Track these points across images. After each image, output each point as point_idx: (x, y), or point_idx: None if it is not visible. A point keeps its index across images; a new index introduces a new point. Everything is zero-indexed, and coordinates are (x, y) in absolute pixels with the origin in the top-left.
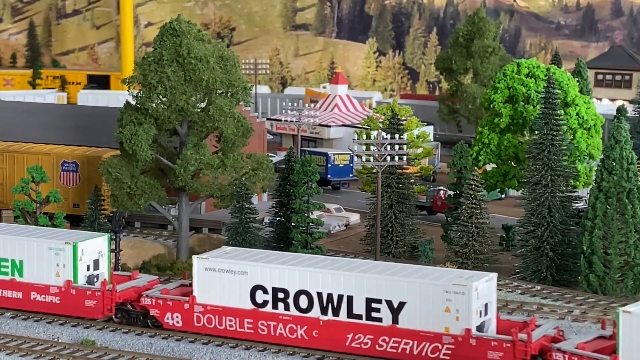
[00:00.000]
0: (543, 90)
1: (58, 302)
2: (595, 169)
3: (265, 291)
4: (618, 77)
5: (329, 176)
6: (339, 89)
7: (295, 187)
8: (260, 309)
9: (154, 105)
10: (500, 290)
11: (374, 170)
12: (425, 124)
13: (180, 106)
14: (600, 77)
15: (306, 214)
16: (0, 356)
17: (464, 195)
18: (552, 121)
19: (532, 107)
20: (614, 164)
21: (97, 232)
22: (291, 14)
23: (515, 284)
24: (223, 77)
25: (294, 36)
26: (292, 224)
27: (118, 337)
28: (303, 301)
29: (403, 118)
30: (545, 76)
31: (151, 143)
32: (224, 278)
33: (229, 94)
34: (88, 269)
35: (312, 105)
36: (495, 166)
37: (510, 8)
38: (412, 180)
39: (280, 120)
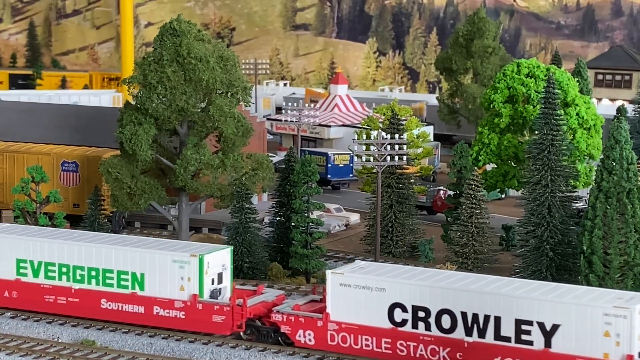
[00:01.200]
0: (543, 90)
1: (183, 317)
2: (595, 169)
3: (404, 309)
4: (618, 77)
5: (329, 176)
6: (339, 89)
7: (295, 187)
8: (399, 328)
9: (154, 105)
10: None
11: (374, 170)
12: (426, 124)
13: (180, 106)
14: (600, 77)
15: (306, 214)
16: (0, 356)
17: (464, 195)
18: (552, 121)
19: (532, 107)
20: (614, 164)
21: (220, 245)
22: (291, 14)
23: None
24: (223, 77)
25: (294, 36)
26: (292, 224)
27: (118, 337)
28: (446, 321)
29: (403, 118)
30: (545, 76)
31: (151, 143)
32: (360, 295)
33: (229, 94)
34: (212, 282)
35: (312, 105)
36: (495, 166)
37: (510, 8)
38: (412, 180)
39: (280, 120)
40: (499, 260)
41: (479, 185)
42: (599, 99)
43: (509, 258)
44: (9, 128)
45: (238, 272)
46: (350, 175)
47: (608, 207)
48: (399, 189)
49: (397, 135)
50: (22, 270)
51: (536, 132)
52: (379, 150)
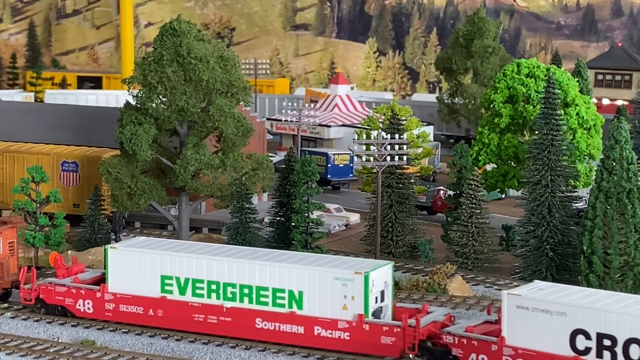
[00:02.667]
0: (543, 90)
1: (347, 338)
2: (595, 169)
3: (587, 337)
4: (618, 77)
5: (329, 176)
6: (339, 89)
7: (295, 187)
8: (582, 357)
9: (154, 105)
10: (499, 290)
11: (374, 170)
12: (425, 124)
13: (180, 106)
14: (600, 77)
15: (306, 214)
16: (0, 356)
17: (464, 195)
18: (552, 121)
19: (532, 107)
20: (614, 164)
21: (381, 260)
22: (291, 14)
23: (515, 284)
24: (223, 77)
25: (294, 36)
26: (292, 224)
27: (118, 337)
28: (634, 351)
29: (403, 118)
30: (545, 76)
31: (151, 143)
32: (539, 319)
33: (229, 94)
34: (376, 300)
35: (312, 105)
36: (495, 166)
37: (510, 8)
38: (412, 180)
39: (280, 120)
40: (499, 260)
41: (479, 185)
42: (599, 99)
43: (509, 258)
44: (9, 128)
45: None
46: (350, 175)
47: (608, 207)
48: (399, 189)
49: (397, 135)
50: (167, 288)
51: (536, 132)
52: (379, 150)
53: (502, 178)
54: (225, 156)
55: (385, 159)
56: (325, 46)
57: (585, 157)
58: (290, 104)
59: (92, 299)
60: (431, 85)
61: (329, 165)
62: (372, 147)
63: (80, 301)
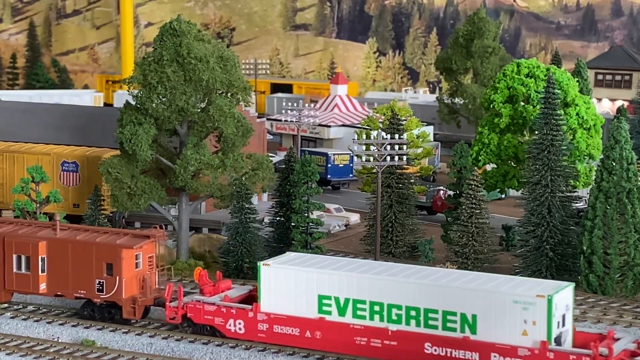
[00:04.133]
0: (543, 90)
1: None
2: (595, 169)
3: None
4: (618, 77)
5: (329, 176)
6: (339, 89)
7: (295, 187)
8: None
9: (154, 105)
10: None
11: (374, 170)
12: (426, 124)
13: (180, 106)
14: (600, 77)
15: (306, 214)
16: (0, 356)
17: (464, 195)
18: (552, 121)
19: (532, 107)
20: (614, 164)
21: (562, 282)
22: (291, 14)
23: None
24: (223, 77)
25: (294, 36)
26: (292, 224)
27: (118, 337)
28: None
29: (403, 118)
30: (545, 76)
31: (151, 143)
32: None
33: (229, 94)
34: (558, 325)
35: (312, 105)
36: (495, 166)
37: (510, 8)
38: (412, 180)
39: (280, 120)
40: (498, 260)
41: (479, 185)
42: (599, 100)
43: (509, 258)
44: (9, 128)
45: (238, 272)
46: (350, 175)
47: (608, 207)
48: (399, 189)
49: (397, 135)
50: (325, 308)
51: (536, 132)
52: (379, 150)
53: (502, 178)
54: (225, 156)
55: (385, 159)
56: (325, 46)
57: (585, 157)
58: (290, 104)
59: (244, 319)
60: (431, 85)
61: (329, 165)
62: (372, 147)
63: (231, 321)
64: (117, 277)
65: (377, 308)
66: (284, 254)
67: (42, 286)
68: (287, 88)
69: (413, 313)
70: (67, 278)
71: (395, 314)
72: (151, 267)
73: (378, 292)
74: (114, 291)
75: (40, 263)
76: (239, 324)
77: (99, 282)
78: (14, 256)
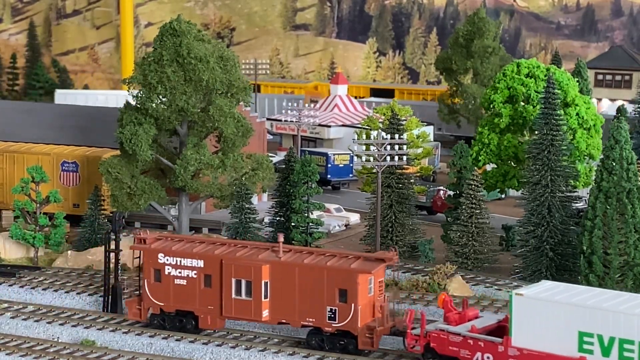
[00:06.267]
0: (543, 90)
1: None
2: (595, 169)
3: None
4: (618, 77)
5: (329, 176)
6: (339, 89)
7: (295, 187)
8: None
9: (154, 105)
10: (499, 290)
11: (374, 170)
12: (425, 124)
13: (180, 106)
14: (600, 77)
15: (306, 214)
16: (0, 356)
17: (464, 195)
18: (552, 121)
19: (532, 107)
20: (614, 164)
21: None
22: (291, 14)
23: (515, 284)
24: (223, 77)
25: (294, 36)
26: (292, 224)
27: (118, 337)
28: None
29: (403, 118)
30: (545, 76)
31: (151, 143)
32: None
33: (229, 94)
34: None
35: (312, 105)
36: (495, 166)
37: (510, 8)
38: (412, 180)
39: (280, 120)
40: (498, 260)
41: (479, 185)
42: (599, 100)
43: (509, 258)
44: (9, 128)
45: None
46: (350, 175)
47: (608, 207)
48: (399, 189)
49: (397, 135)
50: (586, 347)
51: (536, 132)
52: (379, 150)
53: (502, 178)
54: (225, 156)
55: (385, 159)
56: (325, 46)
57: (585, 157)
58: (290, 104)
59: (493, 353)
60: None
61: (329, 165)
62: (372, 147)
63: (479, 354)
64: (352, 304)
65: None
66: (539, 282)
67: (265, 313)
68: (389, 93)
69: None
70: (293, 305)
71: None
72: (381, 293)
73: None
74: (348, 319)
75: (263, 288)
76: (488, 358)
77: (331, 309)
78: (233, 280)
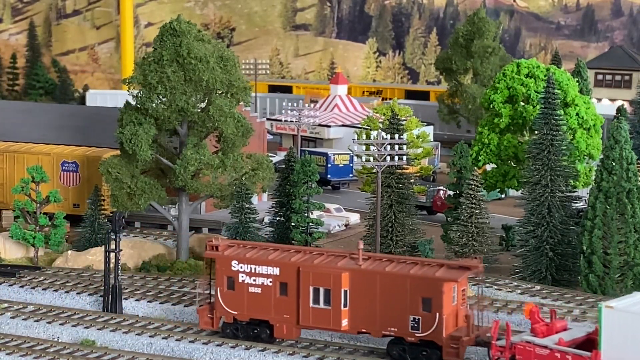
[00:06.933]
0: (543, 90)
1: None
2: (595, 169)
3: None
4: (618, 77)
5: (329, 176)
6: (339, 89)
7: (295, 187)
8: None
9: (154, 105)
10: (499, 290)
11: (374, 170)
12: (425, 124)
13: (180, 106)
14: (600, 77)
15: (306, 214)
16: (0, 356)
17: (463, 195)
18: (552, 121)
19: (532, 107)
20: (614, 164)
21: None
22: (291, 14)
23: (515, 283)
24: (223, 77)
25: (294, 36)
26: (292, 224)
27: (118, 337)
28: None
29: (403, 118)
30: (545, 76)
31: (151, 143)
32: None
33: (229, 94)
34: None
35: (312, 105)
36: (495, 166)
37: (510, 8)
38: (412, 180)
39: (280, 120)
40: (498, 260)
41: (479, 185)
42: (599, 99)
43: (508, 258)
44: (9, 128)
45: None
46: (350, 175)
47: (608, 207)
48: (399, 189)
49: (397, 135)
50: None
51: (536, 132)
52: (378, 150)
53: (502, 178)
54: (225, 156)
55: (385, 159)
56: (325, 46)
57: (585, 157)
58: (290, 104)
59: None
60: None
61: (329, 165)
62: (372, 147)
63: None
64: (437, 314)
65: None
66: (631, 294)
67: (344, 322)
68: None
69: None
70: (374, 314)
71: None
72: (464, 301)
73: None
74: (432, 329)
75: (342, 297)
76: None
77: (414, 318)
78: (311, 288)
